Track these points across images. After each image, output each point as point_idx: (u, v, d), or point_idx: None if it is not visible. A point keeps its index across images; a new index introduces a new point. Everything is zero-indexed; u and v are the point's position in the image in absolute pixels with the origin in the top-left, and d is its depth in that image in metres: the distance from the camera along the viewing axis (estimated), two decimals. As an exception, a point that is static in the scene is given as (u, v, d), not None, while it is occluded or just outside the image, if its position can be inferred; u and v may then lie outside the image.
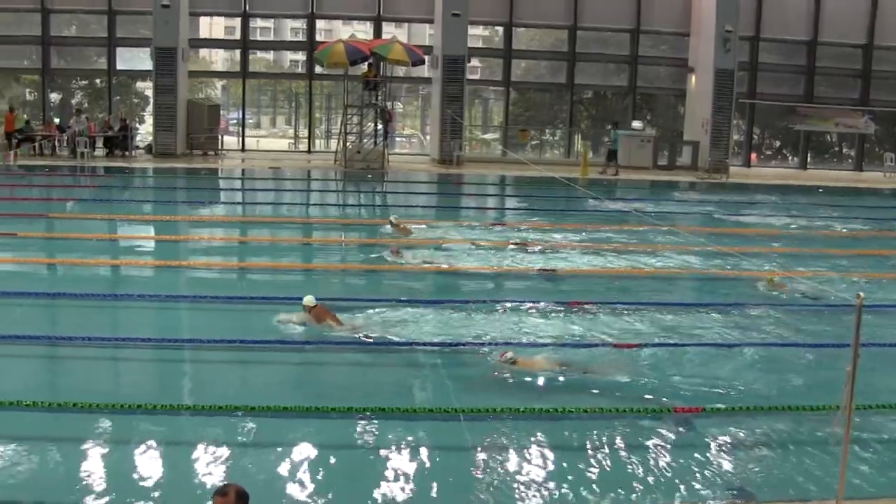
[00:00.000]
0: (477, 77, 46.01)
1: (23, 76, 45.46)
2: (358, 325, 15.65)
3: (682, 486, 10.32)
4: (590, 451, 11.24)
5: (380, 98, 38.91)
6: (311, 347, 14.88)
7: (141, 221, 26.07)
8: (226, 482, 8.48)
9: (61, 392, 12.94)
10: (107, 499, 9.83)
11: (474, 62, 44.27)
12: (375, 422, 11.81)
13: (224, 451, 11.03)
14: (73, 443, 11.29)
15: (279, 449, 11.17)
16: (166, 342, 14.71)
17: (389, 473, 10.52)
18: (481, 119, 49.45)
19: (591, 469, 10.77)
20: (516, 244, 22.82)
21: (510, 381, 13.40)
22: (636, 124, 42.75)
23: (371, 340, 14.98)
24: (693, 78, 42.86)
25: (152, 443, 11.34)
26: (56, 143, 39.41)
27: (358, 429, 11.71)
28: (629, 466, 10.81)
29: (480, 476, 10.53)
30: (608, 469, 10.78)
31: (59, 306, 16.71)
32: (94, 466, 10.70)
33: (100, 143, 40.28)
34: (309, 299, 15.58)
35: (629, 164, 40.49)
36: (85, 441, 11.32)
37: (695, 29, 42.71)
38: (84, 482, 10.27)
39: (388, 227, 23.59)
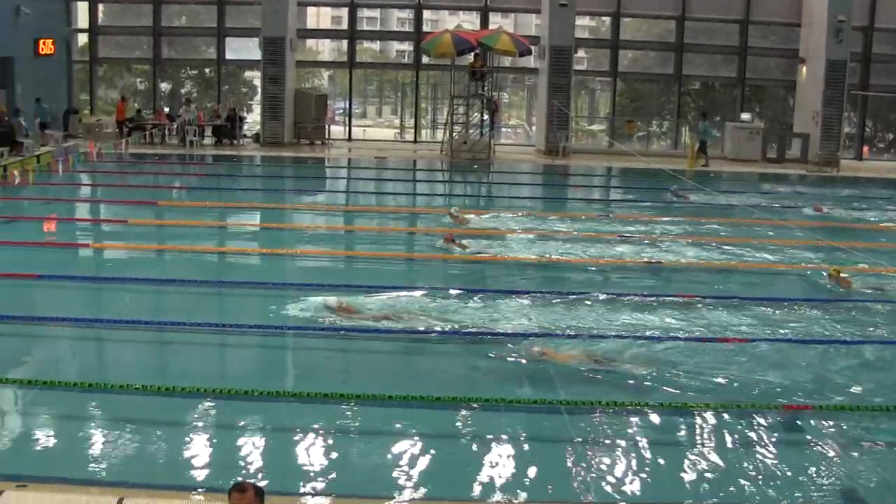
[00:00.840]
0: (583, 67, 45.72)
1: (134, 66, 46.52)
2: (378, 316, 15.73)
3: (790, 486, 10.17)
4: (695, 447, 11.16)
5: (486, 88, 38.93)
6: (408, 337, 14.95)
7: (248, 209, 26.48)
8: (243, 481, 8.59)
9: (169, 377, 13.24)
10: (209, 483, 10.05)
11: (581, 52, 43.99)
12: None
13: (325, 439, 11.18)
14: (179, 427, 11.56)
15: (383, 437, 11.29)
16: (271, 329, 14.93)
17: (492, 462, 10.57)
18: (587, 110, 49.18)
19: (697, 464, 10.68)
20: (621, 236, 22.72)
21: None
22: (745, 116, 42.08)
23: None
24: (804, 69, 42.01)
25: (255, 428, 11.57)
26: (166, 132, 40.23)
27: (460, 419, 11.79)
28: (735, 463, 10.70)
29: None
30: (717, 464, 10.69)
31: (166, 292, 17.06)
32: (198, 450, 10.95)
33: (208, 132, 41.03)
34: (331, 301, 15.82)
35: (737, 157, 39.88)
36: (190, 425, 11.60)
37: (806, 19, 41.85)
38: (188, 466, 10.51)
39: (447, 218, 23.48)
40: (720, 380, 13.13)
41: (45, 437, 11.38)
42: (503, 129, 47.85)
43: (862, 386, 13.10)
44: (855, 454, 11.04)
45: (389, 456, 10.77)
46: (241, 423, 11.67)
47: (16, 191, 27.38)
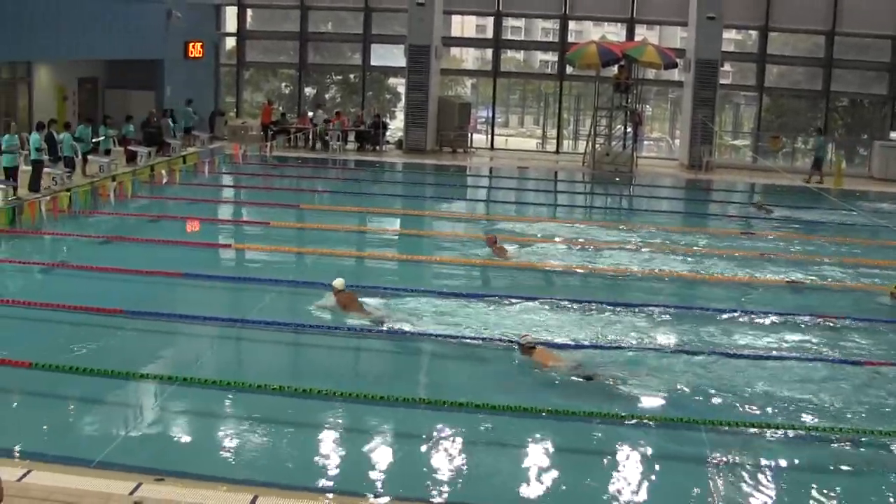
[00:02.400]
0: (728, 81, 44.94)
1: (280, 70, 47.44)
2: (382, 314, 15.94)
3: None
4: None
5: (630, 101, 38.61)
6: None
7: (388, 215, 26.72)
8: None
9: (305, 378, 13.44)
10: (340, 485, 10.18)
11: (726, 66, 43.24)
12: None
13: (454, 446, 11.22)
14: (313, 428, 11.75)
15: (511, 448, 11.29)
16: (406, 335, 15.05)
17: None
18: (731, 124, 48.31)
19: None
20: (763, 255, 22.31)
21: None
22: (894, 135, 40.74)
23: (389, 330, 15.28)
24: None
25: (387, 433, 11.68)
26: (310, 136, 40.90)
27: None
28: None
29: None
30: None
31: (305, 294, 17.32)
32: (330, 452, 11.10)
33: (351, 137, 41.58)
34: (339, 282, 16.13)
35: (885, 177, 38.63)
36: (323, 427, 11.78)
37: (963, 36, 40.38)
38: (320, 467, 10.66)
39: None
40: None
41: (182, 433, 11.70)
42: (646, 142, 47.31)
43: None
44: None
45: (520, 466, 10.77)
46: (374, 427, 11.80)
47: (162, 190, 28.18)
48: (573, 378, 13.51)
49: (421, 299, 17.13)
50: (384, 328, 15.50)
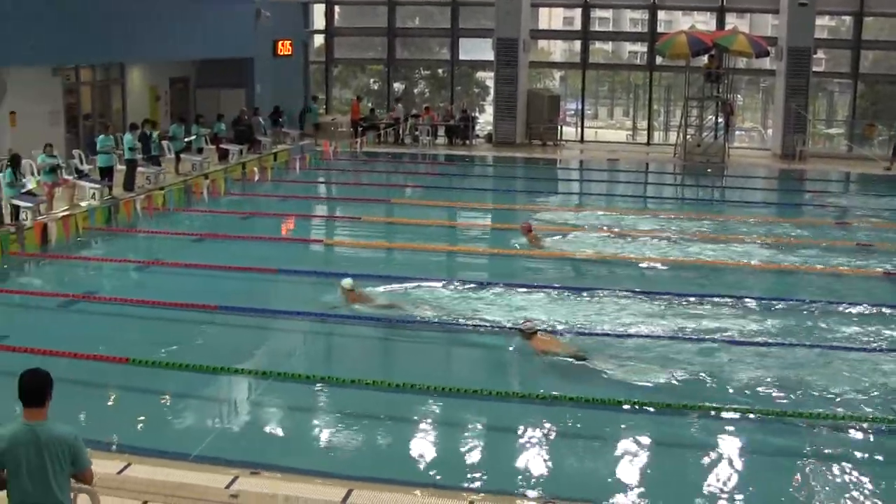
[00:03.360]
0: (821, 69, 44.06)
1: (368, 66, 47.67)
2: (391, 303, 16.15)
3: None
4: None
5: (721, 90, 38.06)
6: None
7: (479, 209, 26.66)
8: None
9: (397, 372, 13.47)
10: (433, 480, 10.18)
11: (819, 53, 42.38)
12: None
13: (542, 440, 11.17)
14: (406, 423, 11.78)
15: (597, 441, 11.21)
16: (496, 328, 15.01)
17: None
18: (825, 112, 47.40)
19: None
20: (862, 244, 21.84)
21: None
22: None
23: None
24: None
25: (482, 428, 11.67)
26: (400, 131, 41.03)
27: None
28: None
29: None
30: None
31: (397, 291, 17.33)
32: (423, 447, 11.11)
33: (441, 132, 41.60)
34: (347, 282, 16.16)
35: None
36: (416, 421, 11.80)
37: None
38: (413, 462, 10.67)
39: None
40: None
41: (278, 427, 11.82)
42: (737, 132, 46.62)
43: None
44: None
45: (606, 462, 10.68)
46: (467, 421, 11.79)
47: (254, 187, 28.49)
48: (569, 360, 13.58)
49: (511, 292, 17.13)
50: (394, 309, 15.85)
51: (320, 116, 42.30)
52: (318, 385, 12.78)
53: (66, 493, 7.09)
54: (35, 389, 7.06)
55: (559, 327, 14.97)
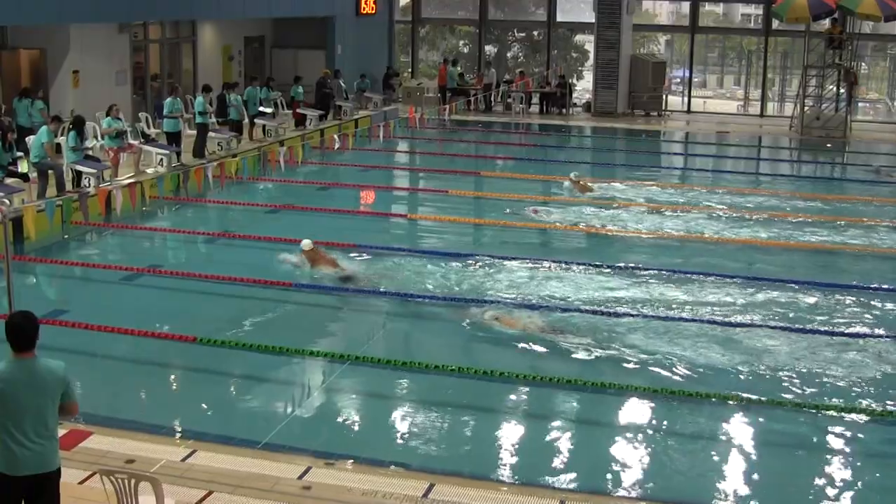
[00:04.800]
0: (960, 34, 43.01)
1: (459, 27, 47.49)
2: (354, 268, 16.61)
3: None
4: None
5: (844, 58, 37.24)
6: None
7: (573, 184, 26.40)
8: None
9: (484, 359, 13.34)
10: (513, 475, 10.07)
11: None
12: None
13: (649, 439, 11.00)
14: (491, 413, 11.69)
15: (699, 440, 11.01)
16: (602, 312, 14.84)
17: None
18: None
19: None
20: None
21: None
22: None
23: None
24: None
25: (573, 421, 11.55)
26: (491, 99, 40.88)
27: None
28: None
29: None
30: None
31: (485, 269, 17.22)
32: (508, 440, 11.01)
33: (535, 100, 41.37)
34: (305, 243, 16.80)
35: None
36: (502, 412, 11.71)
37: None
38: (496, 455, 10.57)
39: (567, 183, 23.95)
40: None
41: (354, 415, 11.80)
42: (861, 104, 45.69)
43: None
44: None
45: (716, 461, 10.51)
46: (555, 414, 11.68)
47: (333, 156, 28.54)
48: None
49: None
50: (359, 282, 16.24)
51: (405, 81, 42.28)
52: (399, 370, 12.72)
53: (57, 425, 7.40)
54: (29, 334, 7.29)
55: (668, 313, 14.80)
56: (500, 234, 20.55)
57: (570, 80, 42.33)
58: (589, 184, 24.35)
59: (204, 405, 11.82)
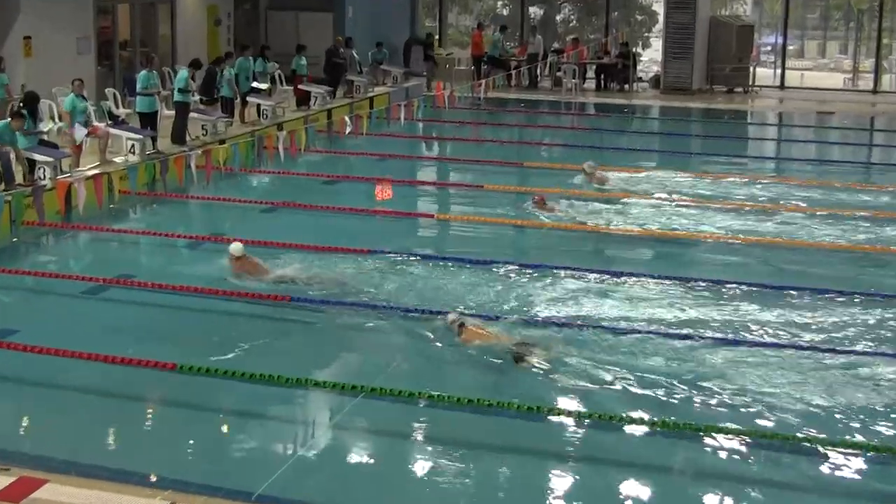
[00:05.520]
0: None
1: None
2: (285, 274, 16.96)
3: None
4: None
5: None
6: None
7: (640, 178, 26.26)
8: None
9: (524, 390, 13.33)
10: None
11: None
12: None
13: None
14: (534, 455, 11.67)
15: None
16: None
17: None
18: None
19: None
20: None
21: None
22: None
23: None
24: None
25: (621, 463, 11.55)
26: (536, 72, 40.86)
27: None
28: None
29: None
30: None
31: (529, 280, 17.23)
32: (556, 488, 11.01)
33: (591, 73, 41.35)
34: (235, 247, 17.19)
35: None
36: (553, 455, 11.69)
37: None
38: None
39: (580, 176, 24.31)
40: None
41: (366, 460, 11.80)
42: None
43: None
44: None
45: None
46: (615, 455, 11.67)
47: (343, 143, 28.60)
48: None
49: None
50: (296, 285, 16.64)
51: (434, 51, 42.30)
52: (424, 405, 12.69)
53: None
54: None
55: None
56: (546, 237, 20.53)
57: (634, 49, 42.30)
58: (606, 174, 24.46)
59: (185, 447, 11.81)
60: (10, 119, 21.33)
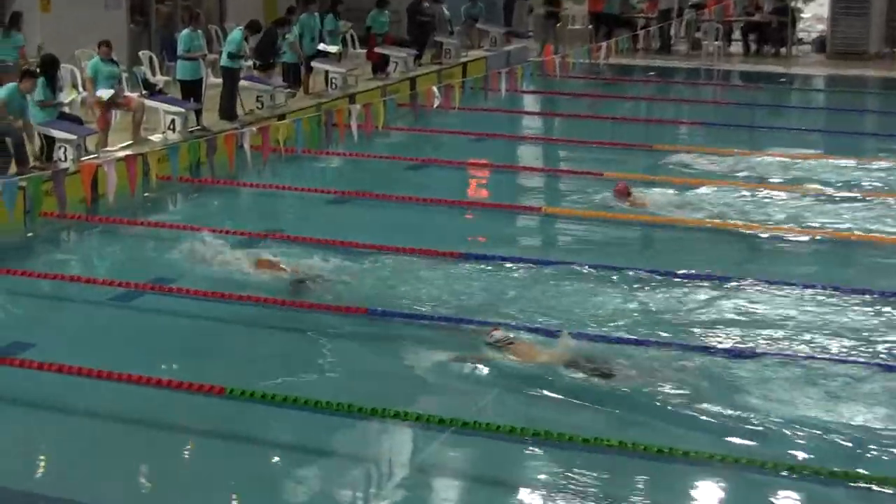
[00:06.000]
0: None
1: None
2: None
3: None
4: None
5: None
6: None
7: (800, 162, 26.13)
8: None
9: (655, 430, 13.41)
10: None
11: None
12: None
13: None
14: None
15: None
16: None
17: None
18: None
19: None
20: None
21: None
22: None
23: None
24: None
25: None
26: (670, 32, 40.75)
27: None
28: None
29: None
30: None
31: (662, 286, 17.26)
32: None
33: (738, 34, 41.17)
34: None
35: None
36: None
37: None
38: None
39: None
40: None
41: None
42: None
43: None
44: None
45: None
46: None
47: (428, 119, 28.70)
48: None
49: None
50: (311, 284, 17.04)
51: (535, 6, 42.25)
52: (528, 441, 12.72)
53: None
54: None
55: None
56: (682, 236, 20.54)
57: (793, 4, 42.04)
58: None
59: (234, 489, 11.93)
60: (18, 82, 21.53)
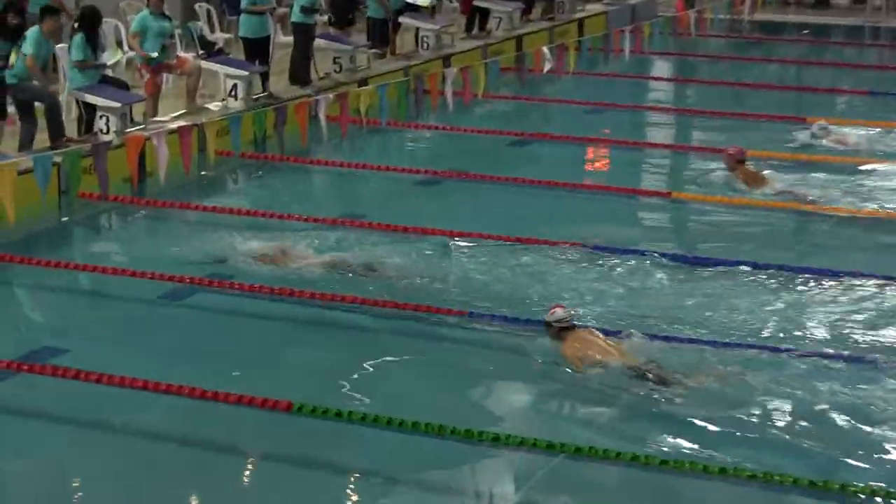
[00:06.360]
0: None
1: None
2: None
3: None
4: None
5: None
6: None
7: None
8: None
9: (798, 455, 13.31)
10: None
11: None
12: None
13: None
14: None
15: None
16: None
17: None
18: None
19: None
20: None
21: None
22: None
23: None
24: None
25: None
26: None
27: None
28: None
29: None
30: None
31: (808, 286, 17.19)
32: None
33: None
34: None
35: None
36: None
37: None
38: None
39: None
40: None
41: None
42: None
43: None
44: None
45: None
46: None
47: (538, 86, 28.71)
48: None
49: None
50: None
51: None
52: (658, 471, 12.67)
53: None
54: None
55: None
56: (842, 231, 20.43)
57: None
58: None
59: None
60: (40, 24, 21.14)
